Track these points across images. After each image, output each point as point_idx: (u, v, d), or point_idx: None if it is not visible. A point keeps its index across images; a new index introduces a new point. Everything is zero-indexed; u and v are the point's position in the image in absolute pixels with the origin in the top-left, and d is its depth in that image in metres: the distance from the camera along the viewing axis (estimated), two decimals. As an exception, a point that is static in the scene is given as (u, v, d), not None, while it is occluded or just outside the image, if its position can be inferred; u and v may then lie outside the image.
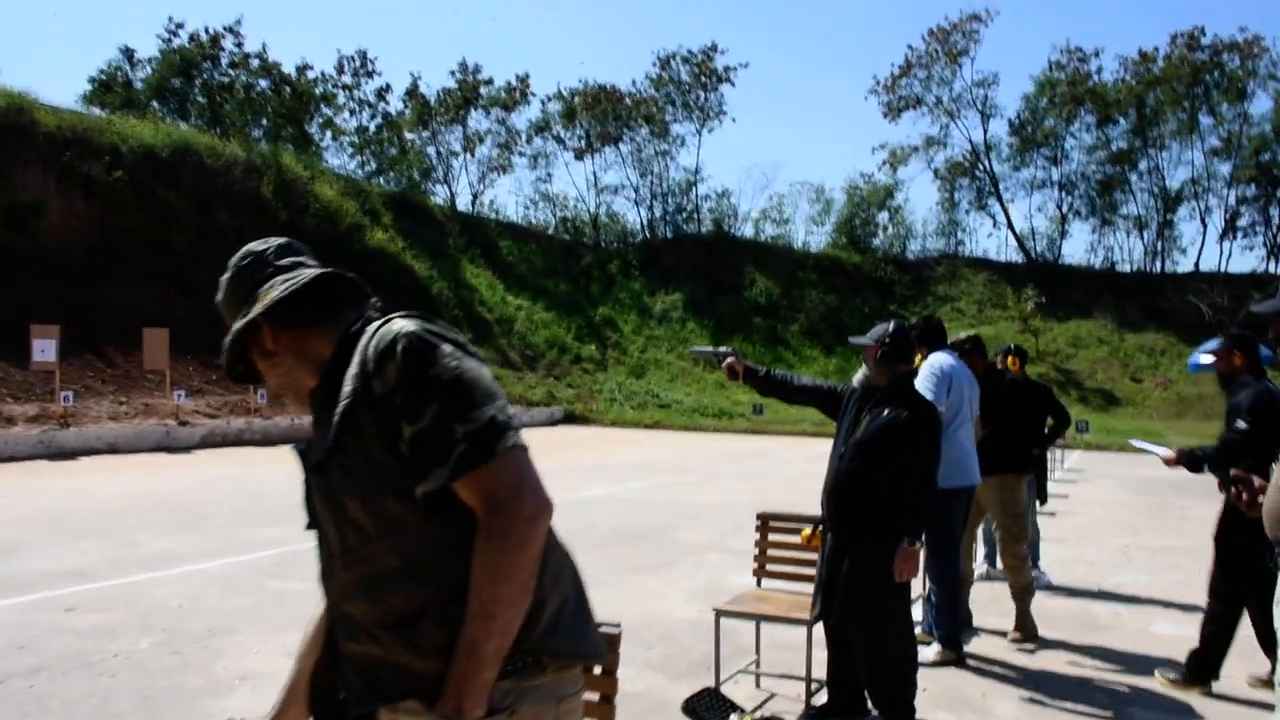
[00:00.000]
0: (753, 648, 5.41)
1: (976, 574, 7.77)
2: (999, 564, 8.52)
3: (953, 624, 5.89)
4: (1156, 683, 5.67)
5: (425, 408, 1.64)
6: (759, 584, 5.30)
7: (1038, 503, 8.36)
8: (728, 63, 45.87)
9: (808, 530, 4.75)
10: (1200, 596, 7.86)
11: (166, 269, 25.45)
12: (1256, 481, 3.45)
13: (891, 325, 4.53)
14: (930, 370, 5.75)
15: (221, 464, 16.51)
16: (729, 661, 5.55)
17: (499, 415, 1.66)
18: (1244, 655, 6.06)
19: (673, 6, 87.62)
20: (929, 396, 5.59)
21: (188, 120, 37.05)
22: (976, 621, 6.78)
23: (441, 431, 1.63)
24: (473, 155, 46.06)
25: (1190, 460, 5.53)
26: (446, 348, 1.70)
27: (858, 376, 4.55)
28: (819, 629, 4.63)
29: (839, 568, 4.38)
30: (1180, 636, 6.56)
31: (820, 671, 4.83)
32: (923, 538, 4.43)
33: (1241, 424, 5.19)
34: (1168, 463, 5.60)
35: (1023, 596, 6.47)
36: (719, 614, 4.90)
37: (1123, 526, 11.52)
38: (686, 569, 8.47)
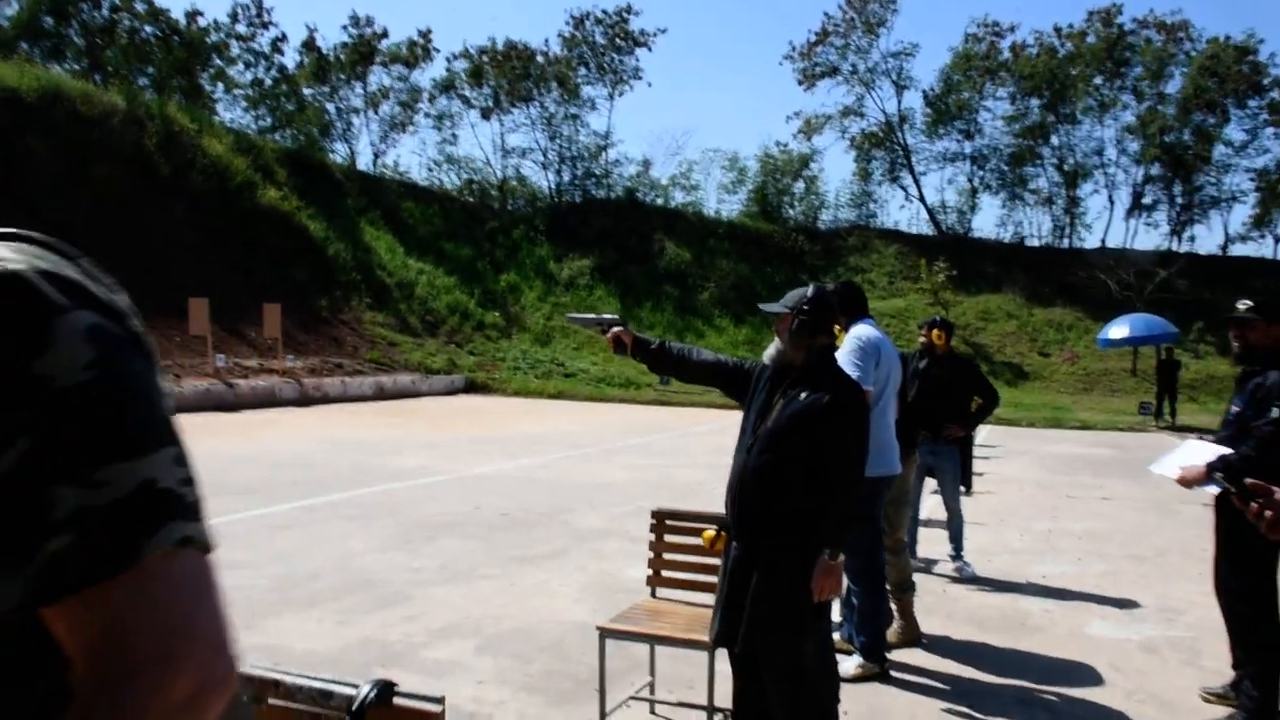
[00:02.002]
0: (648, 662, 4.60)
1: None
2: (918, 554, 7.89)
3: (876, 630, 5.15)
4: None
5: (8, 440, 0.76)
6: (653, 593, 4.48)
7: (962, 489, 7.69)
8: (643, 26, 44.93)
9: (711, 531, 3.94)
10: (1129, 587, 7.35)
11: (32, 224, 23.46)
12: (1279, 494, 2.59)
13: (810, 290, 3.70)
14: (856, 343, 4.96)
15: None
16: (620, 680, 4.73)
17: (163, 478, 0.81)
18: (1192, 660, 5.46)
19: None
20: (855, 374, 4.81)
21: (62, 64, 34.69)
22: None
23: (32, 499, 0.76)
24: (375, 112, 44.23)
25: (1228, 472, 4.10)
26: (83, 320, 0.81)
27: (769, 352, 3.71)
28: (724, 651, 3.82)
29: (744, 583, 3.57)
30: (1117, 640, 5.94)
31: (726, 700, 4.03)
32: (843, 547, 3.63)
33: (1277, 412, 4.21)
34: (1188, 482, 4.41)
35: (900, 594, 5.73)
36: (604, 634, 4.06)
37: (1043, 509, 11.02)
38: (579, 560, 7.62)
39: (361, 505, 9.72)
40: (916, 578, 7.22)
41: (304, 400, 23.33)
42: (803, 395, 3.51)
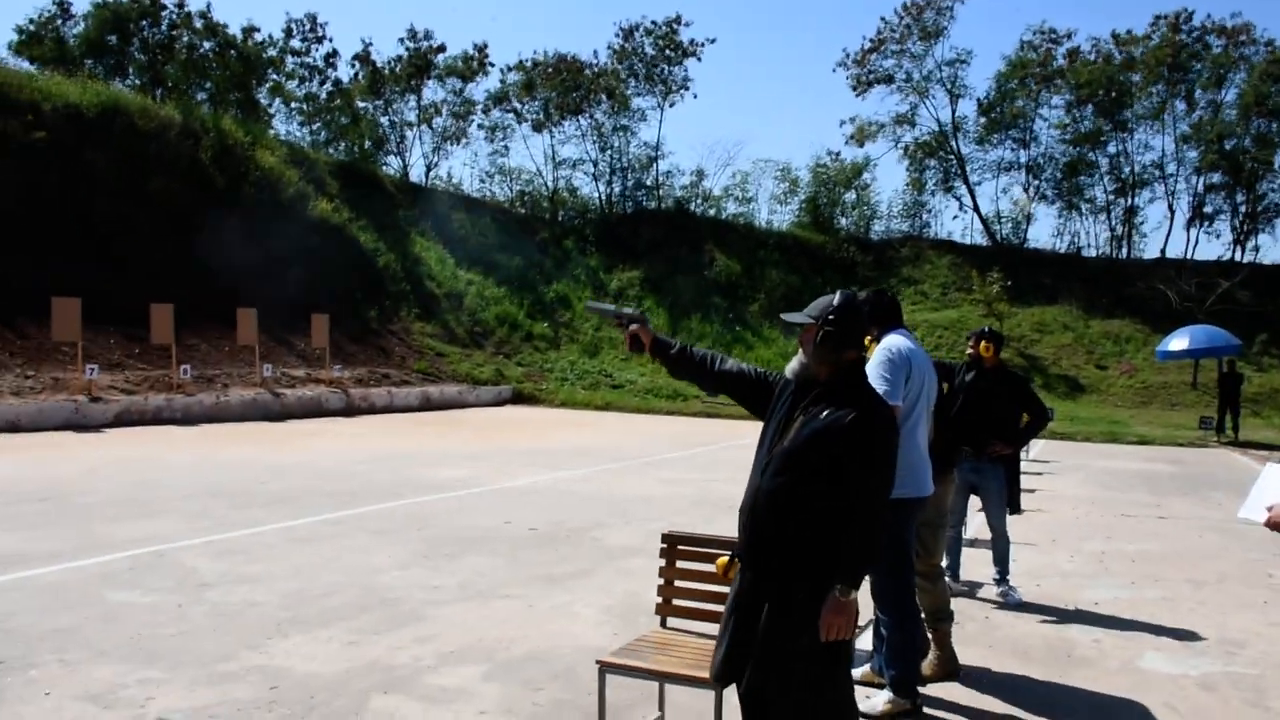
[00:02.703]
0: (658, 694, 4.33)
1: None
2: (961, 576, 7.53)
3: (908, 663, 4.81)
4: None
5: None
6: (664, 623, 4.20)
7: (1008, 511, 7.30)
8: (693, 36, 44.66)
9: (724, 559, 3.64)
10: (1187, 616, 6.90)
11: (89, 235, 23.90)
12: None
13: (837, 297, 3.40)
14: (885, 355, 4.65)
15: (131, 444, 15.20)
16: (629, 713, 4.47)
17: None
18: (1257, 700, 5.05)
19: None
20: (883, 389, 4.50)
21: (124, 80, 35.27)
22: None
23: None
24: (430, 126, 44.48)
25: None
26: None
27: (792, 365, 3.41)
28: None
29: (753, 616, 3.28)
30: (1173, 675, 5.54)
31: (737, 739, 3.74)
32: (860, 584, 3.31)
33: None
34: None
35: (935, 623, 5.37)
36: (604, 669, 3.79)
37: (1096, 528, 10.55)
38: (605, 579, 7.36)
39: (391, 518, 9.55)
40: (958, 603, 6.88)
41: (350, 410, 23.38)
42: (825, 413, 3.21)
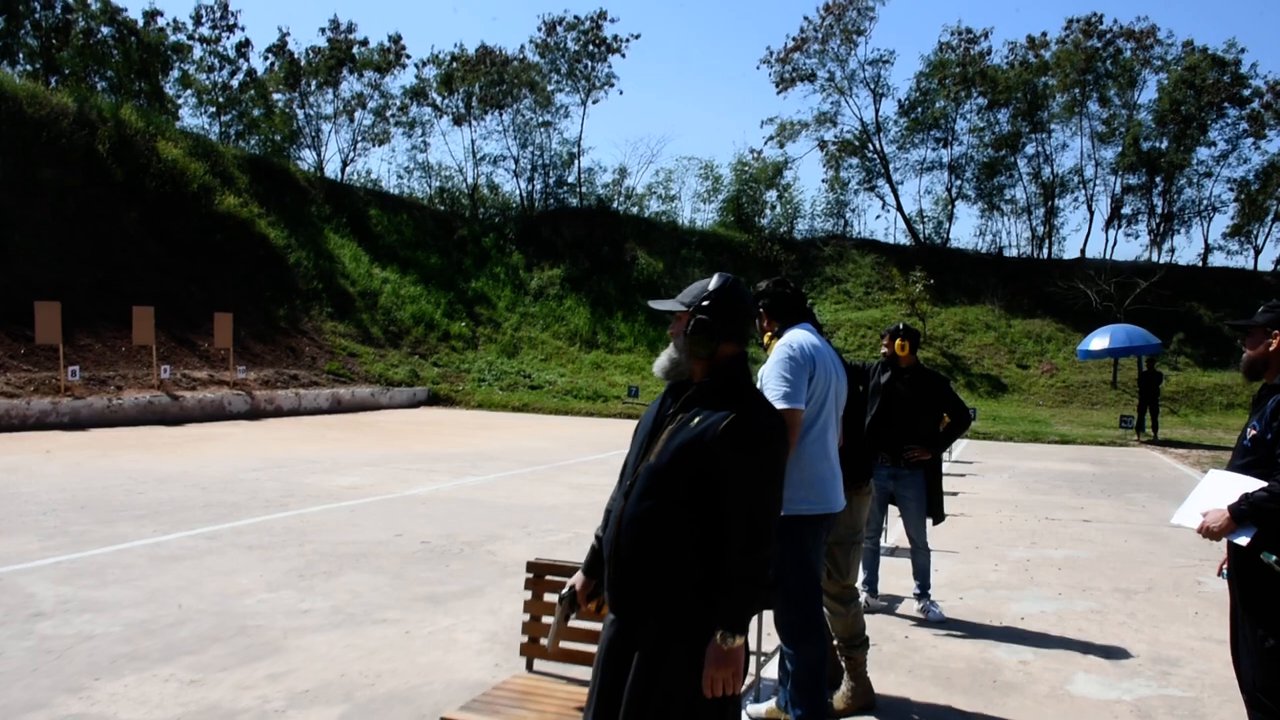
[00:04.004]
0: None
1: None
2: (880, 591, 7.03)
3: (815, 700, 4.25)
4: None
5: None
6: (529, 666, 3.58)
7: (929, 521, 6.80)
8: (617, 32, 44.05)
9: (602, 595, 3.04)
10: (1117, 631, 6.45)
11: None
12: None
13: (714, 280, 2.82)
14: (786, 353, 4.07)
15: (1, 451, 14.10)
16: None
17: None
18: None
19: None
20: (782, 391, 3.94)
21: (14, 66, 33.51)
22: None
23: None
24: (351, 121, 43.19)
25: (1255, 513, 3.40)
26: None
27: (660, 361, 2.82)
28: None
29: (622, 667, 2.69)
30: (1106, 701, 5.07)
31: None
32: (749, 627, 2.71)
33: None
34: (1213, 534, 3.53)
35: (849, 651, 4.84)
36: (449, 729, 3.16)
37: (1020, 533, 10.17)
38: (494, 600, 6.70)
39: (271, 532, 8.78)
40: (875, 620, 6.39)
41: (255, 414, 22.34)
42: (696, 419, 2.62)
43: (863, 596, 6.73)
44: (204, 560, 7.58)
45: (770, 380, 4.04)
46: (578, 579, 2.96)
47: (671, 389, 2.80)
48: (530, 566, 3.58)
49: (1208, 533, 3.55)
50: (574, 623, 3.51)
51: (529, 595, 3.57)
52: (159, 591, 6.59)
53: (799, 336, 4.14)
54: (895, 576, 7.45)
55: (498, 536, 8.87)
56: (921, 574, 6.69)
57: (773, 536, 2.61)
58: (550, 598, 3.55)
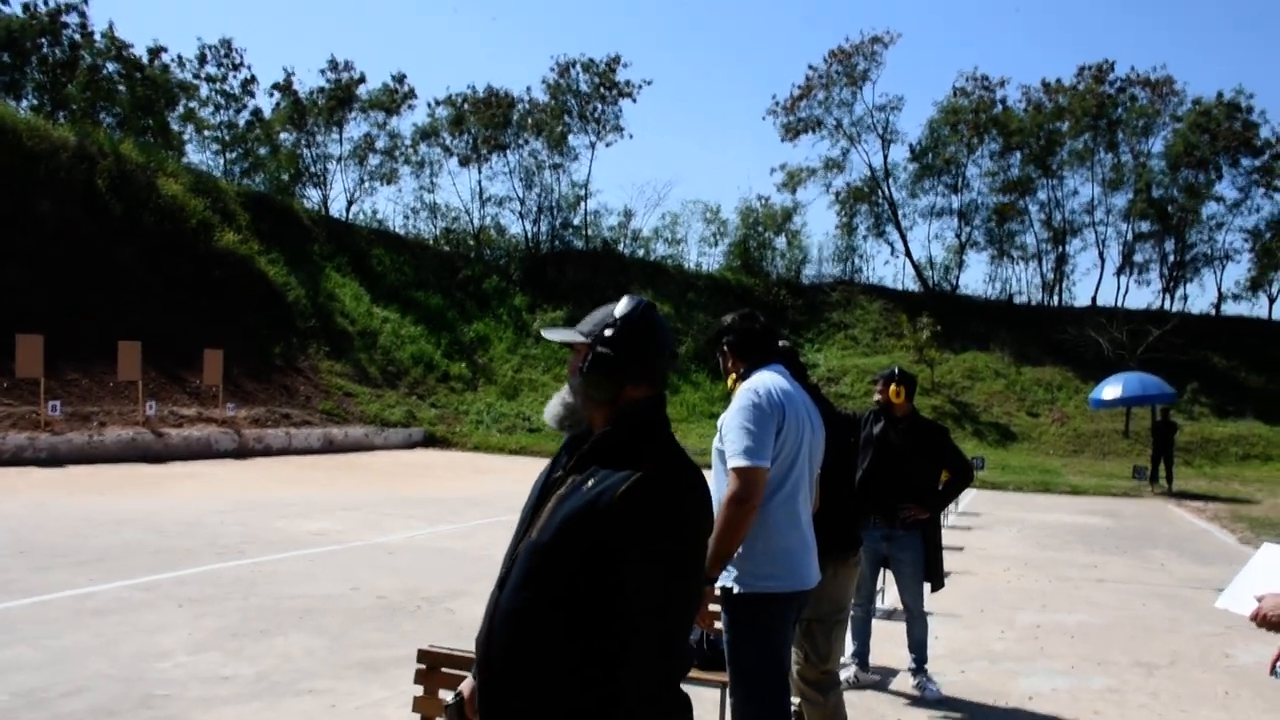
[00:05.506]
0: None
1: (843, 677, 5.47)
2: (871, 663, 6.34)
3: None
4: None
5: None
6: (420, 777, 2.92)
7: (927, 586, 6.12)
8: (630, 77, 43.78)
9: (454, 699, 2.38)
10: (1138, 715, 5.75)
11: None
12: None
13: (622, 305, 2.17)
14: (750, 399, 3.42)
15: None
16: None
17: None
18: None
19: (569, 13, 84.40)
20: (744, 445, 3.30)
21: (21, 101, 33.28)
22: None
23: None
24: (362, 164, 42.91)
25: None
26: None
27: (551, 406, 2.17)
28: None
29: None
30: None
31: None
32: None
33: None
34: (1271, 623, 2.85)
35: None
36: None
37: (1029, 595, 9.45)
38: (442, 668, 6.02)
39: (216, 583, 8.12)
40: (865, 697, 5.70)
41: (243, 452, 21.73)
42: (590, 483, 1.97)
43: (851, 670, 6.03)
44: (132, 615, 6.92)
45: (730, 432, 3.41)
46: (467, 685, 2.31)
47: (568, 442, 2.16)
48: (422, 655, 2.93)
49: (1264, 621, 2.88)
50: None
51: (420, 690, 2.91)
52: (67, 652, 5.93)
53: (766, 380, 3.50)
54: (891, 645, 6.74)
55: (461, 592, 8.18)
56: (918, 646, 5.99)
57: (686, 643, 1.95)
58: (446, 694, 2.90)
